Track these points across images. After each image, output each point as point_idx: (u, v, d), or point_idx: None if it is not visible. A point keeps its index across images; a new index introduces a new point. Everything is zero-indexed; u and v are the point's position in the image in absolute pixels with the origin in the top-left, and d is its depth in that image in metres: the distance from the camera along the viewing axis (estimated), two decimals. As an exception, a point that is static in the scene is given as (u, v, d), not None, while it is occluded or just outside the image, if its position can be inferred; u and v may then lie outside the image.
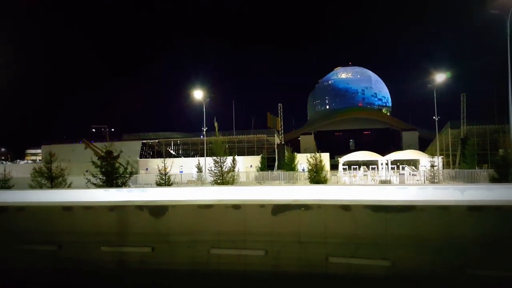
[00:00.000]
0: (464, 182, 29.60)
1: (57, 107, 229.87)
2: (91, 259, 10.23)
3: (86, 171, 26.72)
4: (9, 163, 78.14)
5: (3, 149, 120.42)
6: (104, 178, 24.93)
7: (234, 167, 30.44)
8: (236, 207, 9.41)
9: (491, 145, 46.53)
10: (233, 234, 9.29)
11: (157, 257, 9.71)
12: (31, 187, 25.55)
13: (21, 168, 52.87)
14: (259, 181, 37.16)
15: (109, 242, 10.12)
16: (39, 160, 79.80)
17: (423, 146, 61.41)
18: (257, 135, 58.21)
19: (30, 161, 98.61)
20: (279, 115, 52.34)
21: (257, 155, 52.85)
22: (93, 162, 25.75)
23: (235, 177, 30.02)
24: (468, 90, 46.65)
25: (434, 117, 39.74)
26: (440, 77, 39.29)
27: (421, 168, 37.93)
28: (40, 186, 25.62)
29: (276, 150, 52.16)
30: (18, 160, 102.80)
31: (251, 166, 47.92)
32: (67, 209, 10.80)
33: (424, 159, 38.98)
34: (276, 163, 49.56)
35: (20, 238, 10.87)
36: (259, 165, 45.60)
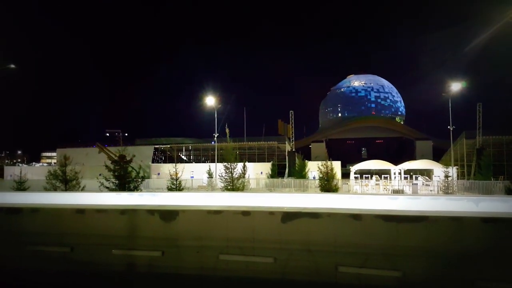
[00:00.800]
0: (479, 193, 29.07)
1: (72, 112, 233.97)
2: (102, 262, 10.33)
3: (100, 174, 27.09)
4: (25, 165, 79.51)
5: (19, 152, 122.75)
6: (116, 182, 25.19)
7: (244, 174, 30.42)
8: (245, 213, 9.42)
9: (507, 156, 45.62)
10: (242, 240, 9.29)
11: (166, 261, 9.76)
12: (46, 189, 25.99)
13: (37, 171, 53.88)
14: (269, 188, 37.10)
15: (120, 245, 10.22)
16: (54, 163, 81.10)
17: (437, 156, 60.48)
18: (268, 142, 58.17)
19: (45, 164, 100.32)
20: (290, 122, 52.19)
21: (267, 162, 52.79)
22: (106, 166, 26.09)
23: (245, 184, 30.03)
24: (484, 100, 45.71)
25: (448, 127, 39.16)
26: (455, 86, 38.75)
27: (434, 178, 37.42)
28: (55, 189, 26.03)
29: (286, 157, 51.98)
30: (33, 163, 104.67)
31: (261, 172, 47.89)
32: (80, 211, 10.95)
33: (438, 169, 38.48)
34: (287, 170, 49.38)
35: (33, 239, 11.04)
36: (270, 172, 45.57)
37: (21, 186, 31.22)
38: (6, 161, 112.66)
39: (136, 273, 10.12)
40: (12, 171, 49.36)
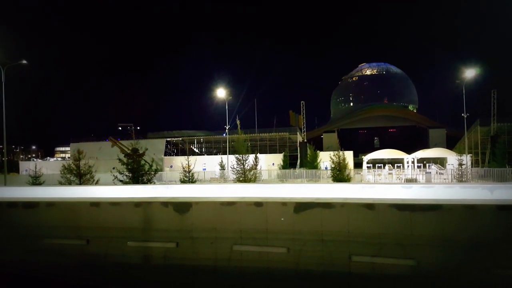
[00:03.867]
0: (494, 181, 28.62)
1: (85, 107, 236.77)
2: (117, 254, 10.50)
3: (113, 168, 27.37)
4: (40, 160, 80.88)
5: (33, 147, 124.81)
6: (130, 175, 25.48)
7: (256, 165, 30.45)
8: (258, 204, 9.46)
9: (523, 143, 44.77)
10: (255, 231, 9.34)
11: (180, 252, 9.88)
12: (61, 183, 26.42)
13: (51, 165, 54.70)
14: (281, 179, 37.10)
15: (135, 238, 10.36)
16: (68, 157, 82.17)
17: (450, 144, 59.68)
18: (280, 133, 58.08)
19: (59, 159, 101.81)
20: (302, 113, 51.92)
21: (279, 153, 52.75)
22: (120, 160, 26.37)
23: (257, 175, 30.07)
24: (499, 86, 44.73)
25: (462, 114, 38.52)
26: (469, 73, 37.98)
27: (448, 167, 36.93)
28: (69, 183, 26.42)
29: (298, 148, 51.85)
30: (48, 158, 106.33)
31: (273, 164, 47.90)
32: (95, 205, 11.12)
33: (451, 158, 37.95)
34: (299, 161, 49.29)
35: (50, 232, 11.26)
36: (281, 163, 45.51)
37: (36, 180, 31.77)
38: (21, 156, 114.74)
39: (151, 264, 10.28)
40: (27, 166, 50.31)
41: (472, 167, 37.67)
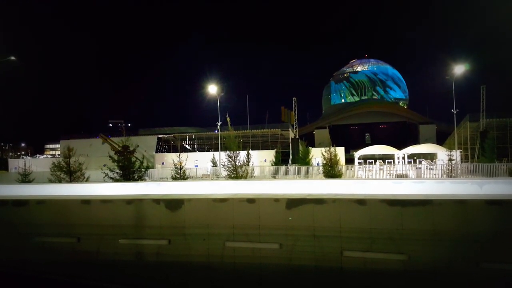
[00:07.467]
0: (483, 176, 28.99)
1: (75, 103, 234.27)
2: (109, 251, 10.45)
3: (104, 165, 27.15)
4: (29, 157, 79.81)
5: (23, 144, 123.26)
6: (121, 172, 25.32)
7: (248, 162, 30.41)
8: (251, 201, 9.47)
9: (511, 139, 45.40)
10: (248, 227, 9.36)
11: (173, 249, 9.87)
12: (51, 181, 26.16)
13: (41, 163, 54.05)
14: (274, 175, 37.14)
15: (127, 235, 10.32)
16: (58, 154, 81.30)
17: (441, 139, 60.33)
18: (272, 130, 58.02)
19: (49, 156, 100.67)
20: (294, 109, 52.02)
21: (271, 149, 52.78)
22: (110, 157, 26.16)
23: (249, 172, 30.06)
24: (488, 82, 45.30)
25: (452, 110, 38.88)
26: (459, 69, 38.31)
27: (438, 162, 37.31)
28: (59, 180, 26.18)
29: (290, 145, 51.95)
30: (37, 155, 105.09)
31: (265, 160, 47.88)
32: (86, 202, 11.04)
33: (441, 153, 38.34)
34: (291, 157, 49.41)
35: (40, 231, 11.16)
36: (274, 160, 45.55)
37: (26, 178, 31.39)
38: (10, 153, 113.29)
39: (143, 261, 10.25)
40: (17, 164, 49.66)
41: (461, 162, 38.10)
